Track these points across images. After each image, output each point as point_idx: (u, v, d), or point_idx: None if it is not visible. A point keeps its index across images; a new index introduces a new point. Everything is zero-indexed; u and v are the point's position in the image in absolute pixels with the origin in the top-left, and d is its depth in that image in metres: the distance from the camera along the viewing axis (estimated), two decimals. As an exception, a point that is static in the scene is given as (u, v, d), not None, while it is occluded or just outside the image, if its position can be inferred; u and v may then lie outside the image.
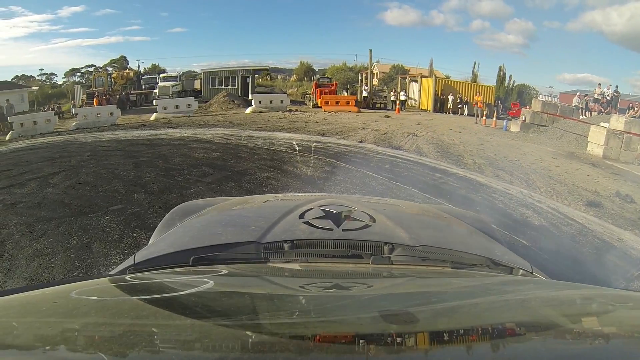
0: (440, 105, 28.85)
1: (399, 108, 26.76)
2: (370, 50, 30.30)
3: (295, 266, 1.64)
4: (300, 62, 42.74)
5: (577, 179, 11.71)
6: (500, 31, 46.10)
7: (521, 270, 1.77)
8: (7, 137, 18.89)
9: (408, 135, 16.70)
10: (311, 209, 2.14)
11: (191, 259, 1.63)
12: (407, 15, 46.30)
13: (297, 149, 13.11)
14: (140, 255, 1.76)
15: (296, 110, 24.64)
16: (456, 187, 9.67)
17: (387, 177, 9.91)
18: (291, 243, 1.74)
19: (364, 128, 18.27)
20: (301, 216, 2.04)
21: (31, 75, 39.05)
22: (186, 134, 16.04)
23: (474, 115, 24.49)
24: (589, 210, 8.99)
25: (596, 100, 24.28)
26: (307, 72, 41.96)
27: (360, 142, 14.88)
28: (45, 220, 7.06)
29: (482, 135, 18.39)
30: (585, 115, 22.43)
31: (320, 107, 25.77)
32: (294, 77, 42.85)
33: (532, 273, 1.78)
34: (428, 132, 18.00)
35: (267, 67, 38.48)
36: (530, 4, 41.53)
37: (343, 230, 1.89)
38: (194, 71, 38.60)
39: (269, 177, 9.73)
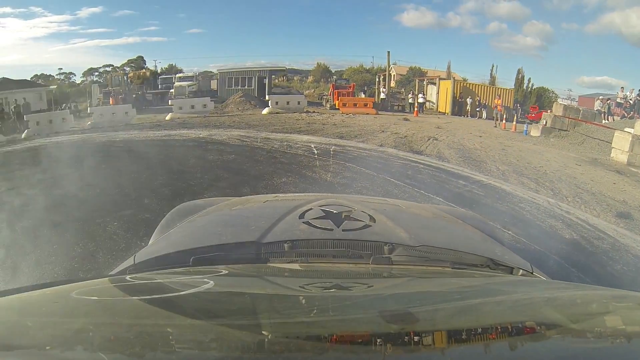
0: (458, 108, 28.26)
1: (417, 111, 26.22)
2: (389, 52, 30.18)
3: (295, 266, 1.63)
4: (317, 63, 42.29)
5: (603, 187, 11.09)
6: (518, 33, 45.02)
7: (521, 270, 1.76)
8: (23, 136, 19.07)
9: (428, 139, 16.25)
10: (311, 209, 2.13)
11: (191, 259, 1.61)
12: (423, 17, 45.64)
13: (316, 152, 12.73)
14: (140, 255, 1.76)
15: (313, 112, 24.21)
16: (481, 196, 9.24)
17: (410, 184, 9.47)
18: (291, 243, 1.72)
19: (383, 131, 17.84)
20: (301, 216, 2.03)
21: (50, 74, 39.29)
22: (201, 135, 15.75)
23: (492, 119, 23.96)
24: (619, 222, 8.45)
25: (619, 105, 23.65)
26: (323, 73, 41.54)
27: (380, 145, 14.47)
28: (51, 225, 6.79)
29: (503, 140, 17.87)
30: (608, 120, 21.76)
31: (338, 109, 25.27)
32: (310, 78, 42.45)
33: (532, 273, 1.77)
34: (448, 136, 17.57)
35: (285, 68, 38.24)
36: (548, 6, 40.54)
37: (343, 230, 1.87)
38: (210, 71, 38.39)
39: (287, 182, 9.35)
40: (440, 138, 16.89)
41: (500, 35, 44.85)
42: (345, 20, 49.20)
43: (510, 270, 1.75)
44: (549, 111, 21.92)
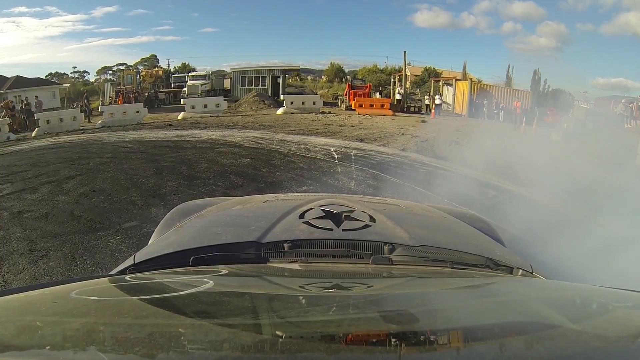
0: (475, 110, 27.35)
1: (434, 112, 25.48)
2: (405, 52, 29.56)
3: (295, 266, 1.62)
4: (331, 63, 41.83)
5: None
6: (532, 34, 44.23)
7: (521, 271, 1.74)
8: (33, 134, 18.99)
9: (450, 144, 15.44)
10: (311, 209, 2.11)
11: (191, 259, 1.60)
12: (437, 17, 45.16)
13: (336, 156, 12.03)
14: (140, 255, 1.73)
15: (329, 113, 23.72)
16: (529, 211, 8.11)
17: (444, 195, 8.57)
18: (291, 243, 1.72)
19: (402, 134, 17.19)
20: (301, 216, 2.02)
21: (64, 73, 39.60)
22: (214, 136, 15.16)
23: (511, 121, 23.21)
24: None
25: (640, 108, 22.83)
26: (337, 73, 41.06)
27: (403, 150, 13.77)
28: (49, 237, 6.19)
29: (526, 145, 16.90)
30: (631, 124, 20.99)
31: (354, 110, 24.87)
32: (324, 78, 42.00)
33: (532, 273, 1.75)
34: (470, 140, 16.67)
35: (298, 67, 37.85)
36: (563, 6, 39.71)
37: (343, 230, 1.86)
38: (223, 70, 38.18)
39: (308, 191, 8.60)
40: (462, 142, 16.05)
41: (515, 35, 44.24)
42: (358, 20, 49.01)
43: (510, 270, 1.74)
44: (570, 114, 21.27)
